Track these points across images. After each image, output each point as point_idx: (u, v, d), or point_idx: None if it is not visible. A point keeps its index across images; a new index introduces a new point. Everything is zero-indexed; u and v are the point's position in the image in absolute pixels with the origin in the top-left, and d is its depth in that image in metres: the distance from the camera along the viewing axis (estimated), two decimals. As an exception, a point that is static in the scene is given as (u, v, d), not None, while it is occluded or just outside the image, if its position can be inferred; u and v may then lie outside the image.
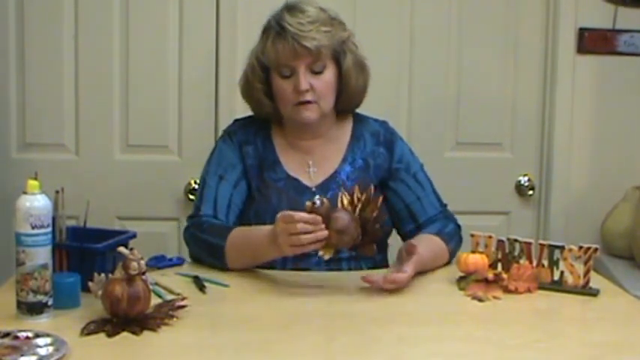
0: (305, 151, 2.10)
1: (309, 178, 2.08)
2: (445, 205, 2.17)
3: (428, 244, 1.98)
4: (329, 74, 2.02)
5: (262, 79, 2.06)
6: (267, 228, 1.86)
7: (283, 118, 2.10)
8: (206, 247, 1.98)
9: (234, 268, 1.93)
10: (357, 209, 1.78)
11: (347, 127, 2.14)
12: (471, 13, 2.84)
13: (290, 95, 2.00)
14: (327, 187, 2.06)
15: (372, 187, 1.81)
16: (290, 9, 2.00)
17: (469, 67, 2.86)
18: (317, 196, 1.80)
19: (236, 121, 2.19)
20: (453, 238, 2.08)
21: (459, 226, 2.14)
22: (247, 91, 2.11)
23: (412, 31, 2.84)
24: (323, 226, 1.74)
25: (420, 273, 1.93)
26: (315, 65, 1.99)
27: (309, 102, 2.00)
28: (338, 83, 2.05)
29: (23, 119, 2.77)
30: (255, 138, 2.11)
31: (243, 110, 2.22)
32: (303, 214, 1.75)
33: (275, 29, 1.99)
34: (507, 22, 2.85)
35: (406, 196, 2.09)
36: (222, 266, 1.94)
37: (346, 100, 2.09)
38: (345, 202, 1.79)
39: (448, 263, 2.05)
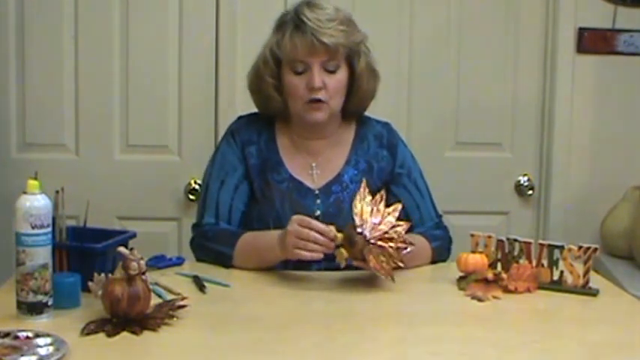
0: (309, 153, 2.10)
1: (312, 180, 2.08)
2: (441, 216, 2.17)
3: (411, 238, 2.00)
4: (341, 74, 2.01)
5: (274, 73, 2.04)
6: (276, 232, 1.90)
7: (290, 116, 2.09)
8: (213, 255, 2.00)
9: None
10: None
11: (351, 129, 2.14)
12: (470, 13, 2.85)
13: (302, 92, 1.99)
14: (331, 189, 2.06)
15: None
16: (309, 5, 1.99)
17: (469, 67, 2.86)
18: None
19: (240, 118, 2.17)
20: (438, 240, 2.08)
21: (449, 237, 2.14)
22: (257, 85, 2.08)
23: (412, 31, 2.85)
24: (333, 244, 1.79)
25: (418, 273, 1.94)
26: (329, 64, 1.98)
27: (320, 101, 1.99)
28: (348, 85, 2.04)
29: (23, 119, 2.77)
30: (258, 138, 2.10)
31: (244, 110, 2.21)
32: (320, 224, 1.80)
33: (294, 22, 1.97)
34: (507, 22, 2.85)
35: (406, 203, 2.08)
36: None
37: (355, 103, 2.08)
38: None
39: (433, 263, 2.05)
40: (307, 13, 1.96)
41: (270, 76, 2.04)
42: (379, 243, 1.78)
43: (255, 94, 2.11)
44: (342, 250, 1.80)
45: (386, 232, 1.78)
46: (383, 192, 1.85)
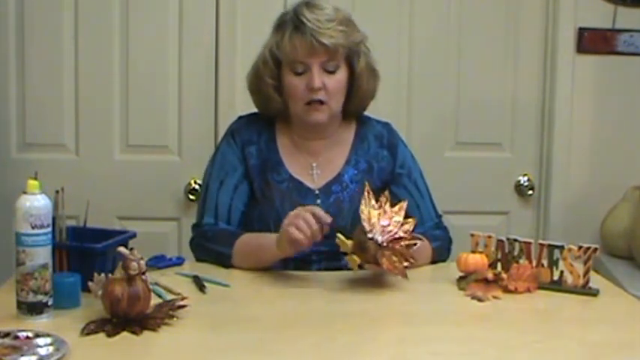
0: (309, 153, 2.10)
1: (312, 180, 2.08)
2: (440, 216, 2.17)
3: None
4: (341, 74, 2.01)
5: (274, 73, 2.04)
6: (275, 234, 1.90)
7: (290, 116, 2.08)
8: (213, 255, 2.00)
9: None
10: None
11: (351, 129, 2.14)
12: (470, 13, 2.85)
13: (302, 93, 1.99)
14: (331, 189, 2.06)
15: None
16: (308, 5, 1.99)
17: (469, 67, 2.86)
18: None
19: (240, 118, 2.17)
20: (438, 240, 2.09)
21: (449, 237, 2.14)
22: (256, 86, 2.08)
23: (412, 31, 2.85)
24: (320, 236, 1.81)
25: (418, 273, 1.94)
26: (329, 64, 1.98)
27: (320, 102, 1.99)
28: (349, 85, 2.04)
29: (23, 119, 2.77)
30: (258, 138, 2.10)
31: (244, 110, 2.21)
32: (321, 212, 1.81)
33: (293, 23, 1.97)
34: (507, 22, 2.85)
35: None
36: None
37: (355, 103, 2.08)
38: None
39: (433, 263, 2.05)
40: (306, 14, 1.96)
41: (269, 76, 2.04)
42: (390, 244, 1.78)
43: (254, 95, 2.11)
44: (355, 257, 1.79)
45: (395, 233, 1.78)
46: (387, 193, 1.85)
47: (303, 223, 1.80)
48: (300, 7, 1.99)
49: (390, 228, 1.78)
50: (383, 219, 1.79)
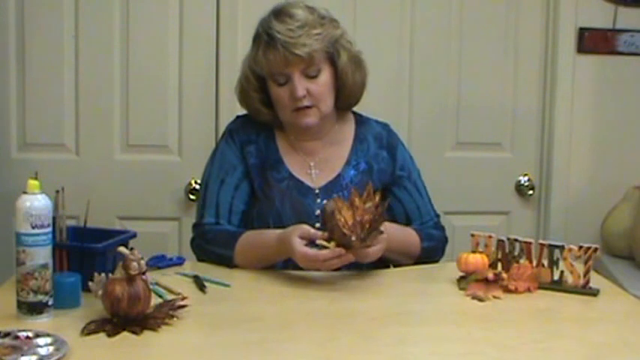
0: (307, 153, 2.10)
1: (311, 179, 2.07)
2: (438, 216, 2.17)
3: (403, 229, 2.03)
4: (325, 76, 1.99)
5: (257, 87, 2.04)
6: (275, 235, 1.90)
7: (282, 123, 2.09)
8: (214, 258, 2.00)
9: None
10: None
11: (349, 129, 2.13)
12: (471, 13, 2.85)
13: (287, 102, 1.98)
14: (331, 190, 2.05)
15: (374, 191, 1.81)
16: (277, 15, 1.96)
17: (469, 67, 2.86)
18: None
19: (238, 117, 2.17)
20: (433, 240, 2.08)
21: (445, 237, 2.14)
22: (244, 100, 2.09)
23: (412, 31, 2.85)
24: (344, 251, 1.77)
25: (418, 273, 1.94)
26: (309, 70, 1.96)
27: (307, 107, 1.98)
28: (335, 83, 2.03)
29: (23, 119, 2.77)
30: (257, 137, 2.10)
31: (244, 110, 2.21)
32: (327, 254, 1.77)
33: (264, 38, 1.96)
34: (507, 22, 2.85)
35: (406, 203, 2.10)
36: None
37: (345, 98, 2.07)
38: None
39: (418, 260, 2.04)
40: (276, 26, 1.93)
41: (254, 90, 2.04)
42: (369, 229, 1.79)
43: (245, 108, 2.11)
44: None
45: (371, 219, 1.78)
46: (353, 188, 1.84)
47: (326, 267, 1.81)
48: (269, 19, 1.97)
49: (365, 218, 1.77)
50: (357, 215, 1.78)
